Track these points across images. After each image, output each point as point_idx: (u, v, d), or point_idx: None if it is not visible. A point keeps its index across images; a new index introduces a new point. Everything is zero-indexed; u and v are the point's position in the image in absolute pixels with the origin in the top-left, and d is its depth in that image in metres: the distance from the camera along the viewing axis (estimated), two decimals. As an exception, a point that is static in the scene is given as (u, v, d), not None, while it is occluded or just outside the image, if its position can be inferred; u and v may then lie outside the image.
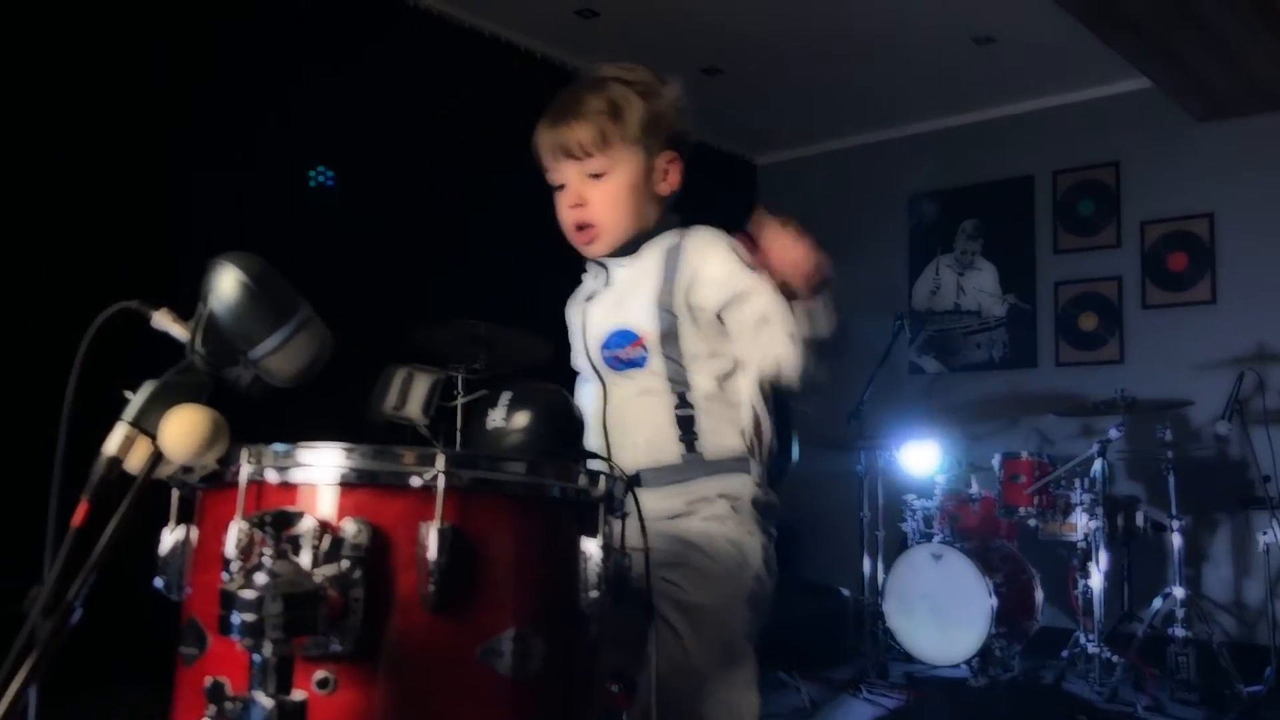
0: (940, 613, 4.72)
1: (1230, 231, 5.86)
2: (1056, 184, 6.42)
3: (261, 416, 1.28)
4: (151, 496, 1.21)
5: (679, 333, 1.75)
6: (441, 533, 1.07)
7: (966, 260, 6.74)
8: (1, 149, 3.87)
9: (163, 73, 4.30)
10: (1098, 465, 4.63)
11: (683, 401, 1.74)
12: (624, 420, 1.77)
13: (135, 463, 1.15)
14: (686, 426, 1.74)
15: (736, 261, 1.73)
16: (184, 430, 1.12)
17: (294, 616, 0.93)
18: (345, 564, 1.05)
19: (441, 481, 1.09)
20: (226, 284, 1.20)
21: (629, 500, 1.29)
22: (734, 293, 1.73)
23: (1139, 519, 4.75)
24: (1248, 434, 5.12)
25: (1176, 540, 4.64)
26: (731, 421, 1.76)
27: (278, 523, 0.99)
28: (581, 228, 1.82)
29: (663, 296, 1.76)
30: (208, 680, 1.06)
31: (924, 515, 5.24)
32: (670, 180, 1.85)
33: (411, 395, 1.31)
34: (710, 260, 1.76)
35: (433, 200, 5.16)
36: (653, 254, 1.82)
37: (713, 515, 1.70)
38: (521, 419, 1.26)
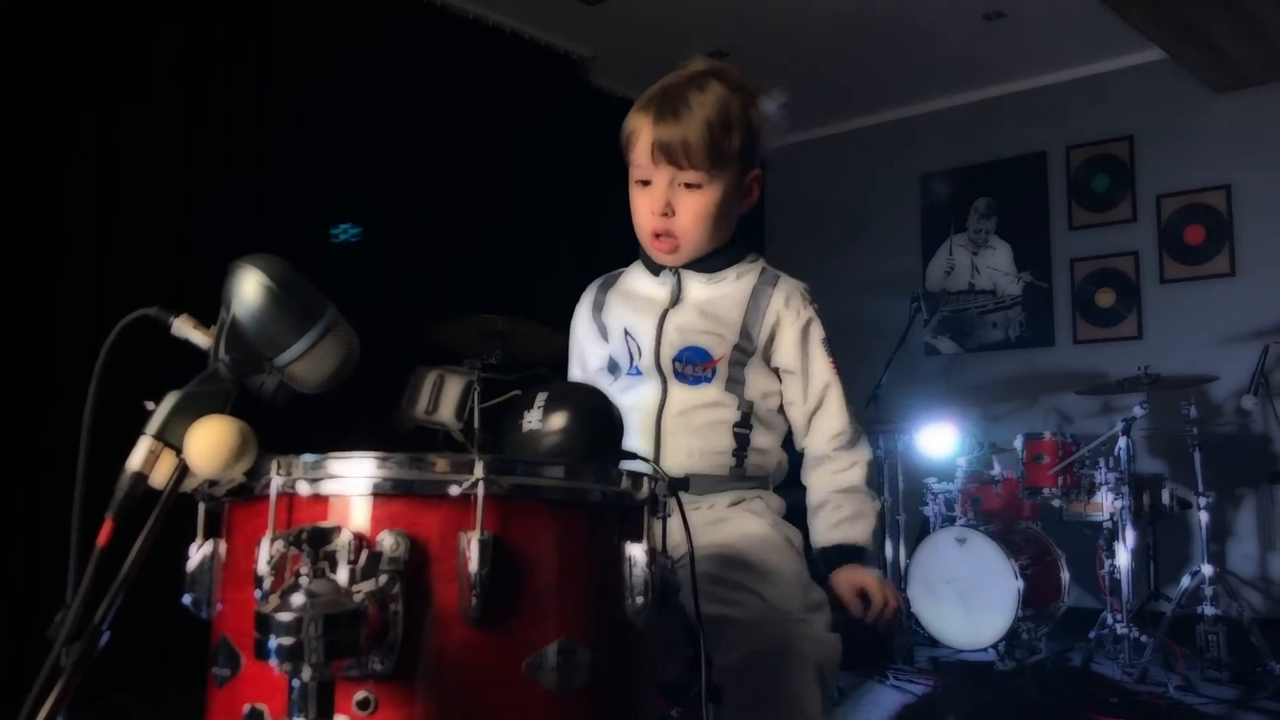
0: (966, 596, 4.67)
1: (1248, 203, 5.79)
2: (1070, 159, 6.36)
3: (273, 422, 1.24)
4: (176, 510, 1.17)
5: (748, 363, 1.80)
6: (483, 543, 1.02)
7: (980, 239, 6.68)
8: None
9: (174, 73, 4.27)
10: (1122, 443, 4.57)
11: (744, 420, 1.78)
12: (682, 425, 1.77)
13: (160, 477, 1.11)
14: (742, 443, 1.77)
15: (819, 335, 1.83)
16: (211, 443, 1.07)
17: (335, 638, 0.89)
18: (383, 579, 1.00)
19: (481, 489, 1.04)
20: (249, 288, 1.15)
21: (672, 501, 1.24)
22: (802, 368, 1.82)
23: (1165, 497, 4.69)
24: (1274, 408, 5.06)
25: (1203, 517, 4.58)
26: (773, 444, 1.84)
27: (314, 540, 0.94)
28: (661, 235, 1.79)
29: (744, 335, 1.80)
30: (246, 707, 1.02)
31: (945, 498, 5.18)
32: (752, 197, 1.85)
33: (444, 399, 1.26)
34: (796, 324, 1.82)
35: (441, 193, 5.11)
36: (737, 283, 1.84)
37: (753, 510, 1.77)
38: (558, 420, 1.21)
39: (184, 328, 1.22)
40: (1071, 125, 6.33)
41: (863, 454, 1.83)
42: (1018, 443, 4.92)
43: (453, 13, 5.39)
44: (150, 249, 4.12)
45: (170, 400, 1.13)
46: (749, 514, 1.76)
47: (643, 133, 1.76)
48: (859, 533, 1.78)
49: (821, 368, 1.81)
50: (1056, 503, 4.81)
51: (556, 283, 5.52)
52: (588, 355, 1.96)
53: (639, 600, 1.14)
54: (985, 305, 6.63)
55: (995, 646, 4.61)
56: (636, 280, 1.93)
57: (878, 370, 5.48)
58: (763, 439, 1.81)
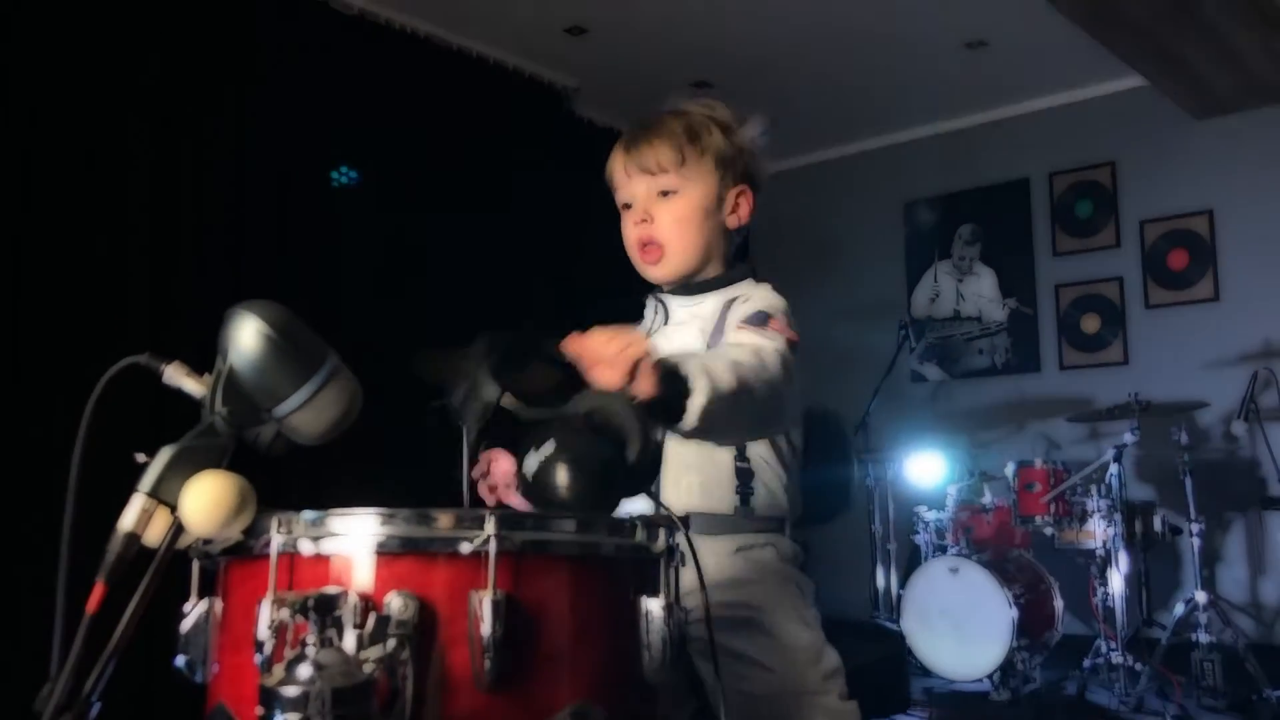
0: (960, 627, 4.62)
1: (1230, 228, 5.80)
2: (1053, 185, 6.36)
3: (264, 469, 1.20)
4: (169, 566, 1.12)
5: None
6: (495, 603, 0.97)
7: (965, 266, 6.67)
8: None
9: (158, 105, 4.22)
10: (1113, 470, 4.55)
11: (742, 455, 1.69)
12: (680, 459, 1.68)
13: (154, 536, 1.06)
14: (745, 480, 1.69)
15: (778, 310, 1.66)
16: (208, 500, 1.03)
17: (344, 713, 0.84)
18: (392, 643, 0.95)
19: (493, 546, 0.99)
20: (247, 336, 1.10)
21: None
22: (744, 318, 1.65)
23: (1156, 523, 4.67)
24: (1264, 432, 5.05)
25: (1196, 544, 4.56)
26: (781, 483, 1.74)
27: (321, 607, 0.89)
28: (646, 246, 1.77)
29: (713, 342, 1.71)
30: (249, 786, 0.97)
31: (936, 527, 5.14)
32: (740, 213, 1.81)
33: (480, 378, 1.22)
34: (752, 301, 1.70)
35: (426, 225, 5.06)
36: (715, 300, 1.77)
37: (760, 559, 1.69)
38: (562, 475, 1.16)
39: (176, 376, 1.17)
40: (1054, 151, 6.33)
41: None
42: (1009, 470, 4.89)
43: (436, 44, 5.35)
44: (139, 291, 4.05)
45: (164, 455, 1.08)
46: (757, 565, 1.68)
47: (616, 157, 1.80)
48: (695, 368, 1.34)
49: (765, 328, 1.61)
50: (1049, 531, 4.77)
51: (542, 314, 5.51)
52: None
53: (656, 657, 1.09)
54: (971, 332, 6.61)
55: (990, 677, 4.57)
56: (645, 317, 1.89)
57: (864, 397, 5.46)
58: (768, 474, 1.72)
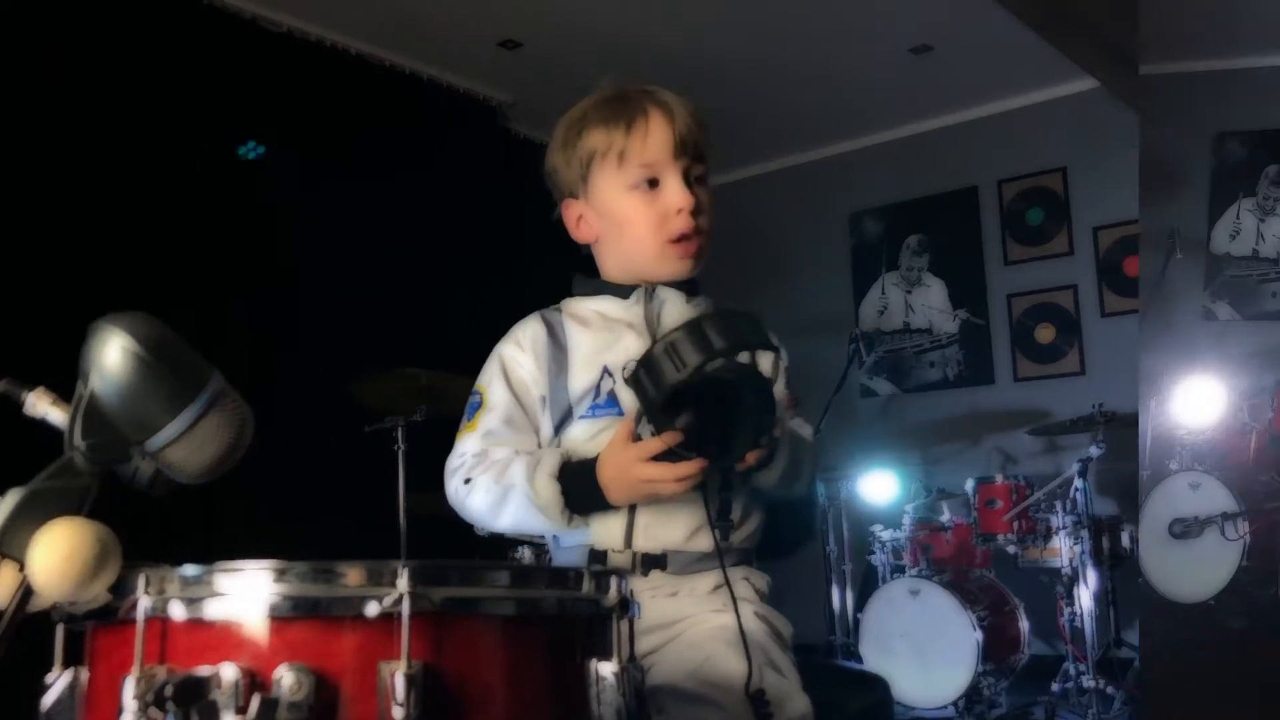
0: (922, 651, 4.46)
1: (1185, 234, 5.74)
2: (1002, 193, 6.26)
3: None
4: (28, 630, 0.93)
5: None
6: (410, 677, 0.79)
7: (913, 277, 6.56)
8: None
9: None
10: (1078, 484, 4.42)
11: (725, 481, 1.44)
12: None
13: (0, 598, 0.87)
14: (725, 511, 1.43)
15: (785, 363, 1.66)
16: (59, 556, 0.84)
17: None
18: (283, 731, 0.77)
19: (407, 606, 0.81)
20: (112, 355, 0.92)
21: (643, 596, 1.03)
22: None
23: (1124, 539, 4.53)
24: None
25: (1162, 559, 4.43)
26: (758, 509, 1.58)
27: (184, 694, 0.71)
28: (686, 237, 1.55)
29: None
30: None
31: (894, 547, 4.98)
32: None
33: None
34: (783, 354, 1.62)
35: (359, 244, 4.87)
36: (707, 304, 1.60)
37: (738, 597, 1.43)
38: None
39: (40, 404, 0.99)
40: (1002, 159, 6.24)
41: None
42: (969, 486, 4.75)
43: (369, 61, 5.19)
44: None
45: (10, 500, 0.89)
46: (727, 604, 1.44)
47: (654, 131, 1.54)
48: None
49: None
50: (1011, 549, 4.61)
51: (480, 333, 5.29)
52: (532, 392, 1.60)
53: (609, 727, 0.92)
54: (921, 344, 6.50)
55: (954, 704, 4.40)
56: (594, 305, 1.63)
57: (813, 413, 5.30)
58: (746, 501, 1.53)
